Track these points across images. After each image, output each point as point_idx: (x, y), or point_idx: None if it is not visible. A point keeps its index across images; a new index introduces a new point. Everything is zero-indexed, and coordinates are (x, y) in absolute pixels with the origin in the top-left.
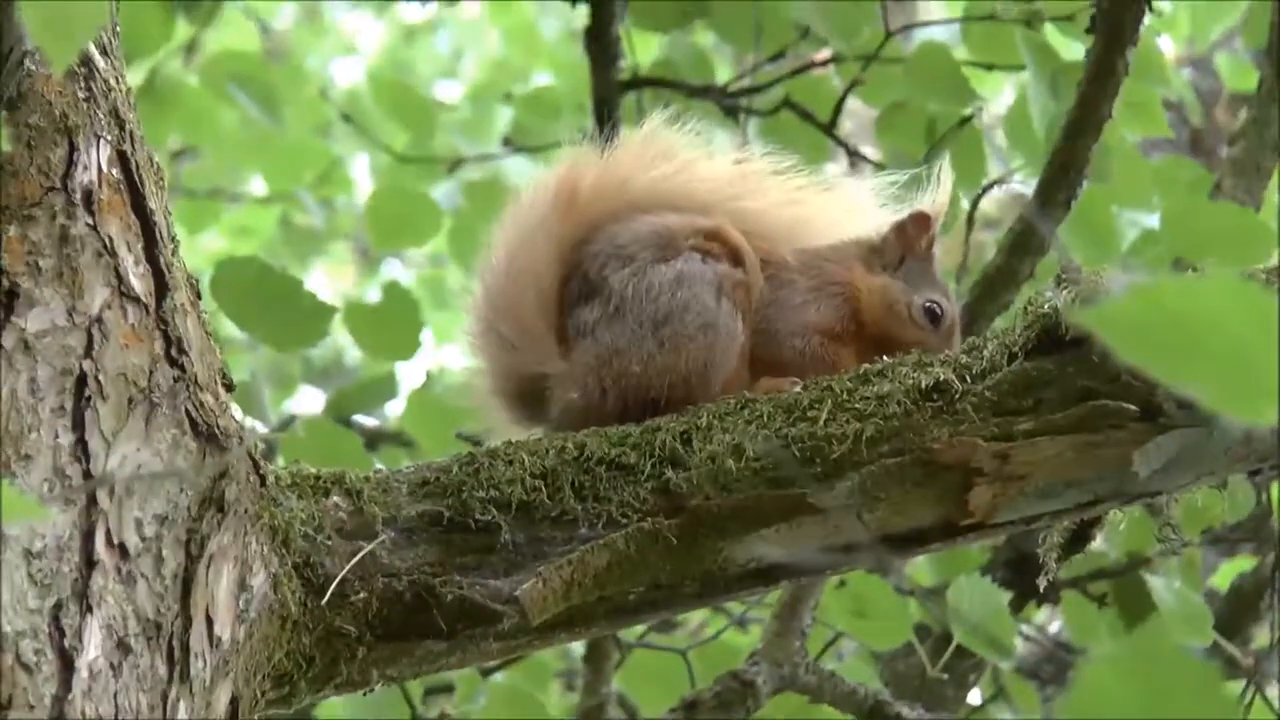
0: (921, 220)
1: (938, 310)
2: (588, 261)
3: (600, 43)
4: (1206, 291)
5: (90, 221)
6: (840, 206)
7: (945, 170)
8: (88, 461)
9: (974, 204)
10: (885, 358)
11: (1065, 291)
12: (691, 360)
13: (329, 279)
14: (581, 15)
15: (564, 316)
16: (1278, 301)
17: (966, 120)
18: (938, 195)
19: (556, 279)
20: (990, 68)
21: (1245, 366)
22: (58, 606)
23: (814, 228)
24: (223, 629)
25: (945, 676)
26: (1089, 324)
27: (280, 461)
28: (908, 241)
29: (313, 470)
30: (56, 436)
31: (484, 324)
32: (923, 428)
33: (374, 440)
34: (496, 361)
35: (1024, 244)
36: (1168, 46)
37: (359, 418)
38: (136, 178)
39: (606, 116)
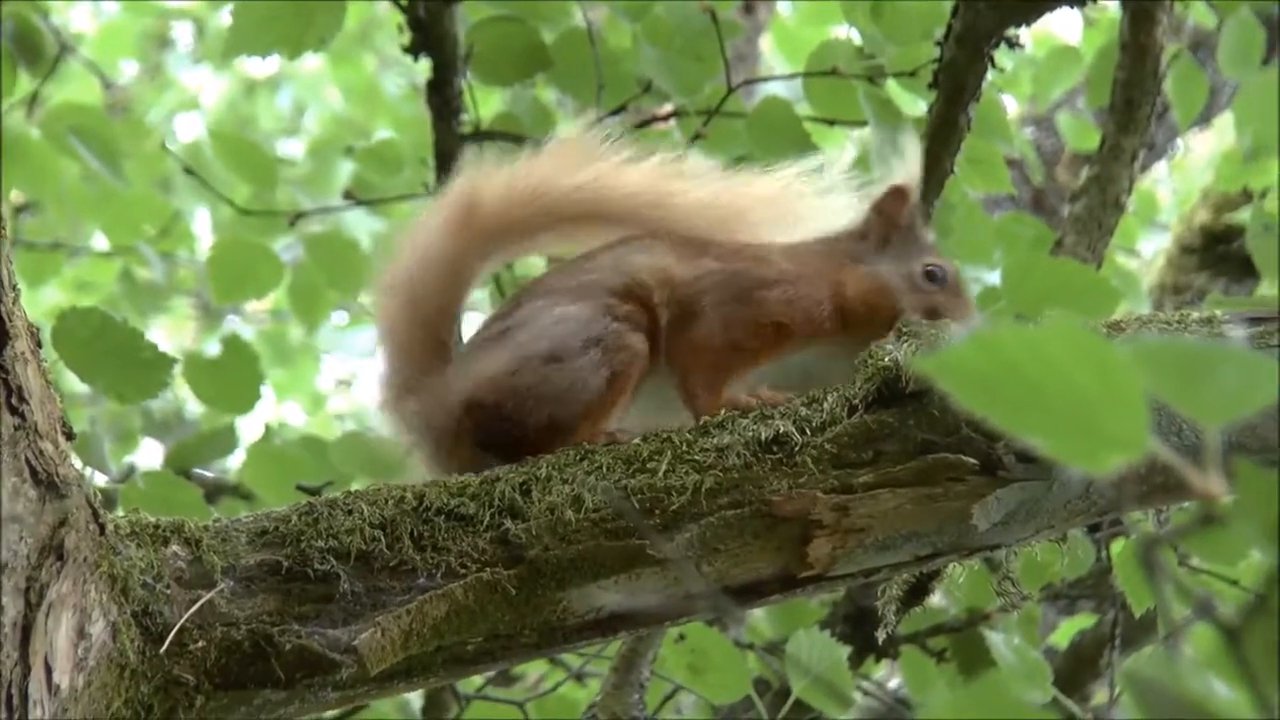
0: (898, 194)
1: (937, 271)
2: (528, 287)
3: (442, 96)
4: (1047, 341)
5: None
6: (770, 198)
7: (910, 140)
8: None
9: None
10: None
11: (905, 344)
12: (517, 380)
13: (170, 334)
14: (423, 70)
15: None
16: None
17: None
18: (908, 165)
19: (447, 295)
20: (832, 123)
21: (1085, 416)
22: None
23: (745, 223)
24: (61, 677)
25: None
26: (930, 373)
27: (120, 513)
28: (889, 218)
29: (151, 519)
30: None
31: (376, 338)
32: (762, 480)
33: (214, 492)
34: (382, 374)
35: None
36: (1010, 105)
37: (199, 470)
38: None
39: (448, 170)
